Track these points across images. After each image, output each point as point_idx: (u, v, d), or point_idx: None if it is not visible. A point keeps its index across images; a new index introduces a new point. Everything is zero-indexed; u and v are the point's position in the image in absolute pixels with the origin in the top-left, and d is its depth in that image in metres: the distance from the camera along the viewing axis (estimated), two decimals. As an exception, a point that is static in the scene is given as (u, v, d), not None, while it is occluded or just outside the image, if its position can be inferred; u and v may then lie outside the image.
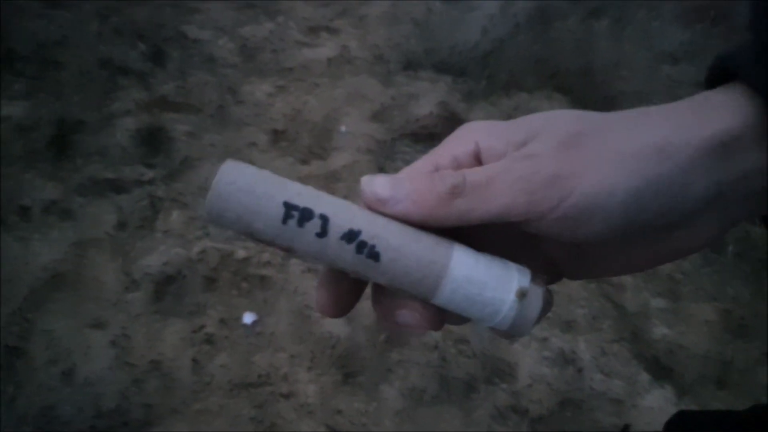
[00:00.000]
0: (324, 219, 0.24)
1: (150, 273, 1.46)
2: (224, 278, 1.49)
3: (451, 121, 1.86)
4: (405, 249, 0.24)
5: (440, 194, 0.24)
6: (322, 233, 0.24)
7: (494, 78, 1.97)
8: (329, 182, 1.68)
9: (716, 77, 0.24)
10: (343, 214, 0.24)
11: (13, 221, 1.45)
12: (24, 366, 1.28)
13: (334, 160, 1.72)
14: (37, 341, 1.32)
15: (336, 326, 1.43)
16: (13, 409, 1.21)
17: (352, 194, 1.67)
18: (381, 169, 1.72)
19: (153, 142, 1.66)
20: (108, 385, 1.28)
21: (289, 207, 0.23)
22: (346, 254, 0.24)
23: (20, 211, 1.47)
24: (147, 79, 1.77)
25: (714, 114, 0.23)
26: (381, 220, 0.25)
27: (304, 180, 1.66)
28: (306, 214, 0.24)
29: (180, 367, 1.33)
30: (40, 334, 1.33)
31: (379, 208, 0.25)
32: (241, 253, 1.49)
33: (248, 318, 1.45)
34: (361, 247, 0.24)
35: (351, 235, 0.24)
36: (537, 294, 0.25)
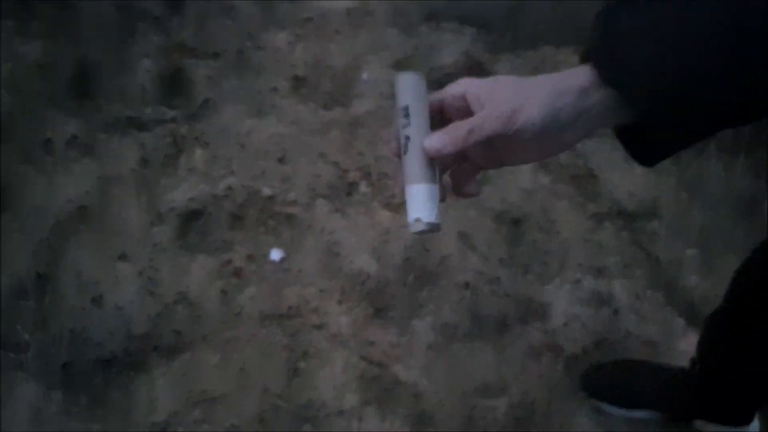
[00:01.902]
0: (405, 116, 0.53)
1: (175, 208, 1.55)
2: (250, 216, 1.58)
3: (477, 71, 1.97)
4: (413, 157, 0.52)
5: (463, 135, 0.49)
6: (405, 120, 0.53)
7: (519, 31, 2.08)
8: (352, 128, 1.79)
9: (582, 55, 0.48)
10: (415, 121, 0.52)
11: (37, 155, 1.55)
12: (53, 292, 1.37)
13: (357, 107, 1.82)
14: (66, 270, 1.41)
15: (365, 263, 1.52)
16: (44, 331, 1.30)
17: (375, 139, 1.77)
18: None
19: (173, 84, 1.77)
20: (137, 311, 1.37)
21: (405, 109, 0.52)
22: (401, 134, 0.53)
23: (43, 144, 1.56)
24: (165, 24, 1.87)
25: (579, 76, 0.47)
26: (419, 139, 0.52)
27: (327, 125, 1.77)
28: (404, 110, 0.53)
29: (208, 298, 1.42)
30: (69, 264, 1.42)
31: (437, 155, 0.51)
32: (266, 191, 1.59)
33: (275, 255, 1.54)
34: (406, 139, 0.52)
35: (405, 137, 0.53)
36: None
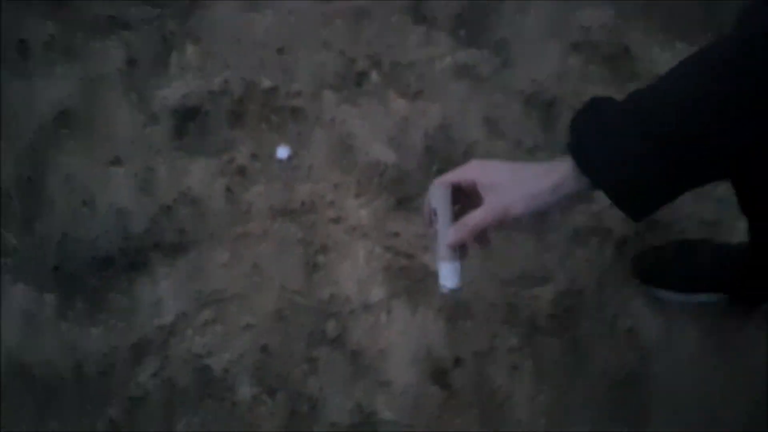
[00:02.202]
0: (435, 214, 0.72)
1: (168, 106, 1.42)
2: (251, 112, 1.45)
3: None
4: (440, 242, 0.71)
5: (470, 230, 0.67)
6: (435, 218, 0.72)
7: None
8: (357, 18, 1.63)
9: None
10: (441, 219, 0.71)
11: (12, 58, 1.42)
12: (41, 196, 1.24)
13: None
14: (53, 175, 1.28)
15: (382, 154, 1.39)
16: (31, 234, 1.18)
17: (384, 30, 1.61)
18: None
19: (158, -18, 1.62)
20: (134, 211, 1.24)
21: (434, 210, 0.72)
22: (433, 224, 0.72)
23: (19, 47, 1.43)
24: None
25: (555, 174, 0.63)
26: (443, 231, 0.71)
27: (329, 15, 1.60)
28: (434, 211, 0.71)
29: (212, 195, 1.29)
30: (56, 169, 1.29)
31: (455, 244, 0.70)
32: (267, 83, 1.45)
33: (282, 152, 1.41)
34: (435, 231, 0.72)
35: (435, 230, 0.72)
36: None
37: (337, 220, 1.26)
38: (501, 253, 1.29)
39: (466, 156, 1.37)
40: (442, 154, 1.40)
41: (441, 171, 1.34)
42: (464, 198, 0.73)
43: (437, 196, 0.74)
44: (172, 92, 1.41)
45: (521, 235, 1.30)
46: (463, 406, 1.12)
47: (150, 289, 1.12)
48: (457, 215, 0.72)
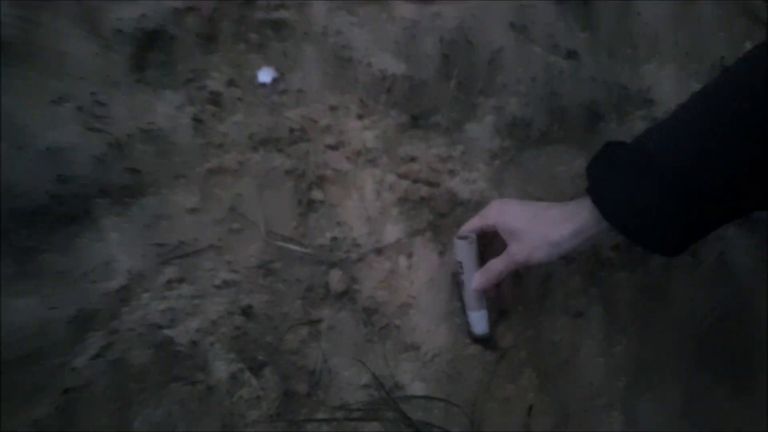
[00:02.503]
0: (460, 267, 0.80)
1: (124, 31, 1.07)
2: (225, 31, 1.10)
3: None
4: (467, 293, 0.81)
5: (495, 276, 0.75)
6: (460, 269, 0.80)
7: None
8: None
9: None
10: (466, 272, 0.80)
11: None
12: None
13: None
14: (-25, 115, 0.95)
15: (389, 65, 1.03)
16: (-58, 187, 0.85)
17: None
18: None
19: None
20: (75, 150, 0.90)
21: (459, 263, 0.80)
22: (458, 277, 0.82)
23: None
24: None
25: (584, 215, 0.65)
26: (469, 282, 0.80)
27: None
28: (459, 264, 0.80)
29: (177, 128, 0.95)
30: (-22, 108, 0.96)
31: (482, 290, 0.78)
32: (242, -6, 1.09)
33: (265, 75, 1.06)
34: (462, 282, 0.81)
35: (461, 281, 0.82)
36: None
37: (336, 147, 0.91)
38: (545, 173, 0.93)
39: (493, 62, 1.01)
40: (462, 63, 1.04)
41: (463, 79, 0.98)
42: (486, 238, 0.76)
43: (463, 250, 0.78)
44: (128, 12, 1.05)
45: (566, 148, 0.93)
46: (514, 369, 0.78)
47: (95, 245, 0.79)
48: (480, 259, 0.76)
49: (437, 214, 0.91)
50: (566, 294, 0.88)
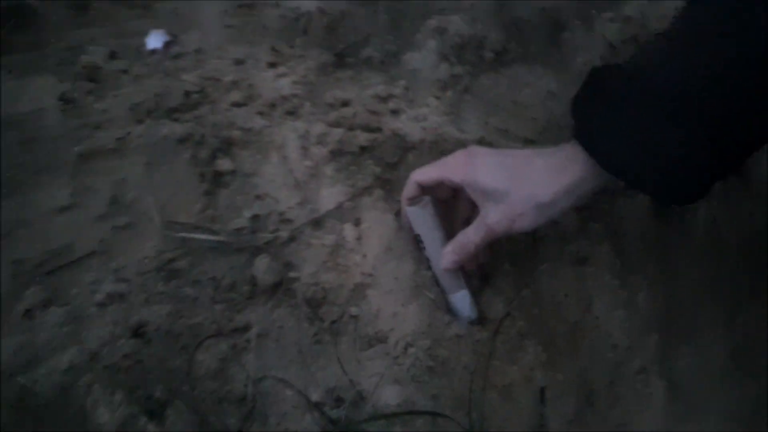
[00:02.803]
0: (420, 239, 0.58)
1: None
2: (100, -4, 0.83)
3: None
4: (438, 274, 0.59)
5: (472, 250, 0.54)
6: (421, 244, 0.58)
7: None
8: None
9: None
10: (429, 246, 0.58)
11: None
12: None
13: None
14: None
15: (297, 2, 0.78)
16: None
17: None
18: None
19: None
20: None
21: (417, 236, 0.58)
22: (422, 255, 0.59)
23: None
24: None
25: (577, 168, 0.49)
26: (437, 259, 0.58)
27: None
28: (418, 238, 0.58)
29: (42, 112, 0.68)
30: None
31: (455, 268, 0.57)
32: (114, -53, 0.83)
33: (155, 40, 0.81)
34: (428, 261, 0.59)
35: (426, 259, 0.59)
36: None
37: (243, 103, 0.65)
38: (505, 99, 0.69)
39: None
40: (390, -12, 0.78)
41: (392, 7, 0.74)
42: (443, 193, 0.57)
43: (418, 219, 0.57)
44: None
45: (526, 68, 0.70)
46: (513, 345, 0.56)
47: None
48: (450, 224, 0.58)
49: (385, 165, 0.66)
50: (562, 237, 0.64)
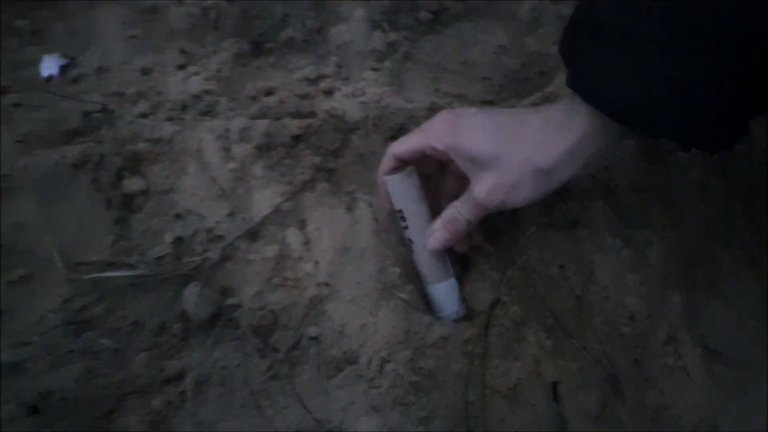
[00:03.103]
0: (402, 215, 0.48)
1: None
2: (-19, 28, 0.72)
3: None
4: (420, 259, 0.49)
5: (463, 228, 0.45)
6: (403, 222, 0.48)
7: None
8: None
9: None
10: (412, 224, 0.48)
11: None
12: None
13: None
14: None
15: None
16: None
17: None
18: None
19: None
20: None
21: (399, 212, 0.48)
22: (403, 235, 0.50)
23: None
24: None
25: (580, 123, 0.39)
26: (421, 240, 0.48)
27: None
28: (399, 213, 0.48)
29: None
30: None
31: (443, 248, 0.47)
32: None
33: (49, 66, 0.70)
34: (410, 242, 0.49)
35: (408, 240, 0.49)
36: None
37: (150, 113, 0.54)
38: (457, 55, 0.58)
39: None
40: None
41: None
42: (428, 167, 0.48)
43: (400, 191, 0.47)
44: None
45: (474, 22, 0.60)
46: (510, 338, 0.45)
47: None
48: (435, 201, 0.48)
49: (325, 153, 0.55)
50: (544, 200, 0.53)
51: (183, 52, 0.66)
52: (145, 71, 0.65)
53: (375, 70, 0.61)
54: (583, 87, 0.38)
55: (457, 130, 0.42)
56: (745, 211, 0.55)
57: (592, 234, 0.51)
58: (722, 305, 0.49)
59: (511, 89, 0.63)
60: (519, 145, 0.41)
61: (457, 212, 0.45)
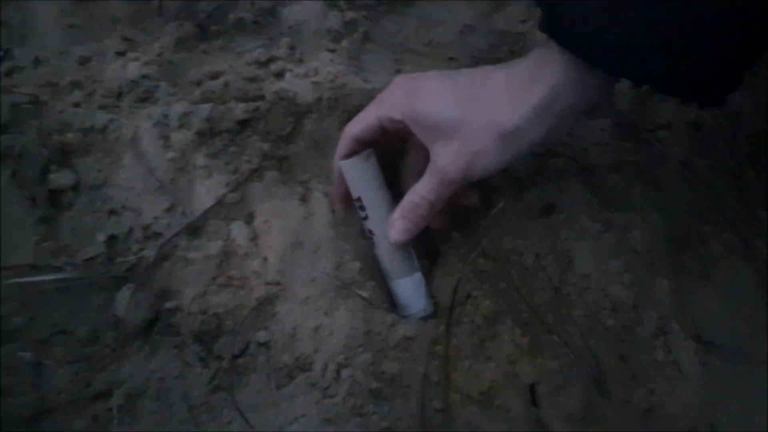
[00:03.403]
0: (361, 203, 0.43)
1: None
2: None
3: None
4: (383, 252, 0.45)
5: (426, 213, 0.40)
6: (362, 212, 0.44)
7: None
8: None
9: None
10: (372, 213, 0.44)
11: None
12: None
13: None
14: None
15: None
16: None
17: None
18: None
19: None
20: None
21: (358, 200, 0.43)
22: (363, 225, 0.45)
23: None
24: None
25: (550, 74, 0.35)
26: (382, 231, 0.44)
27: None
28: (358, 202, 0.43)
29: None
30: None
31: (408, 239, 0.42)
32: None
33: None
34: (370, 233, 0.44)
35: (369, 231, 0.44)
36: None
37: (83, 102, 0.48)
38: (424, 45, 0.54)
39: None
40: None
41: None
42: (390, 147, 0.42)
43: (357, 176, 0.43)
44: None
45: (445, 3, 0.55)
46: (482, 335, 0.38)
47: None
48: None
49: (275, 139, 0.50)
50: (516, 183, 0.48)
51: (125, 39, 0.61)
52: (83, 60, 0.60)
53: (331, 51, 0.56)
54: (559, 29, 0.33)
55: (413, 97, 0.38)
56: (734, 191, 0.51)
57: (569, 218, 0.46)
58: (715, 293, 0.45)
59: (479, 69, 0.59)
60: (480, 107, 0.36)
61: (417, 196, 0.40)
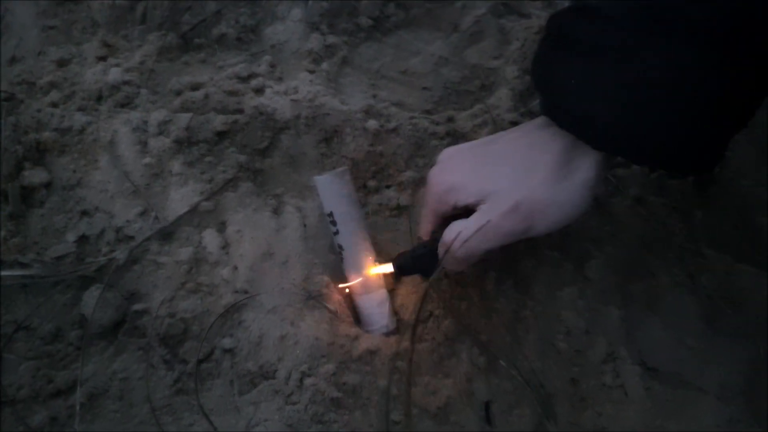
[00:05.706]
0: (332, 218, 0.47)
1: None
2: None
3: None
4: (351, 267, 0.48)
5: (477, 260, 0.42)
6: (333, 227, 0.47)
7: None
8: None
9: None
10: (343, 228, 0.47)
11: None
12: None
13: None
14: None
15: None
16: None
17: None
18: None
19: None
20: None
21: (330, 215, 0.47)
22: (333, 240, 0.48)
23: None
24: None
25: (587, 160, 0.37)
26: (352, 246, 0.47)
27: None
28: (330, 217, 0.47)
29: None
30: None
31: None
32: None
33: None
34: (340, 248, 0.47)
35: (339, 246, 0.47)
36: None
37: (61, 103, 0.50)
38: (399, 73, 0.58)
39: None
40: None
41: None
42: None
43: (328, 192, 0.46)
44: None
45: (422, 36, 0.59)
46: (442, 352, 0.41)
47: None
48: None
49: (252, 152, 0.52)
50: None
51: (105, 44, 0.62)
52: (62, 62, 0.61)
53: (311, 72, 0.59)
54: (560, 113, 0.36)
55: (450, 176, 0.41)
56: (683, 228, 0.55)
57: (529, 246, 0.50)
58: (660, 322, 0.49)
59: (450, 101, 0.62)
60: (533, 183, 0.40)
61: (475, 245, 0.41)
